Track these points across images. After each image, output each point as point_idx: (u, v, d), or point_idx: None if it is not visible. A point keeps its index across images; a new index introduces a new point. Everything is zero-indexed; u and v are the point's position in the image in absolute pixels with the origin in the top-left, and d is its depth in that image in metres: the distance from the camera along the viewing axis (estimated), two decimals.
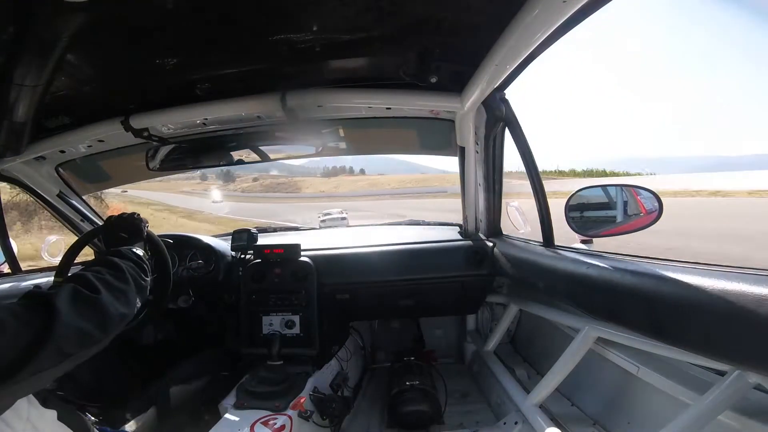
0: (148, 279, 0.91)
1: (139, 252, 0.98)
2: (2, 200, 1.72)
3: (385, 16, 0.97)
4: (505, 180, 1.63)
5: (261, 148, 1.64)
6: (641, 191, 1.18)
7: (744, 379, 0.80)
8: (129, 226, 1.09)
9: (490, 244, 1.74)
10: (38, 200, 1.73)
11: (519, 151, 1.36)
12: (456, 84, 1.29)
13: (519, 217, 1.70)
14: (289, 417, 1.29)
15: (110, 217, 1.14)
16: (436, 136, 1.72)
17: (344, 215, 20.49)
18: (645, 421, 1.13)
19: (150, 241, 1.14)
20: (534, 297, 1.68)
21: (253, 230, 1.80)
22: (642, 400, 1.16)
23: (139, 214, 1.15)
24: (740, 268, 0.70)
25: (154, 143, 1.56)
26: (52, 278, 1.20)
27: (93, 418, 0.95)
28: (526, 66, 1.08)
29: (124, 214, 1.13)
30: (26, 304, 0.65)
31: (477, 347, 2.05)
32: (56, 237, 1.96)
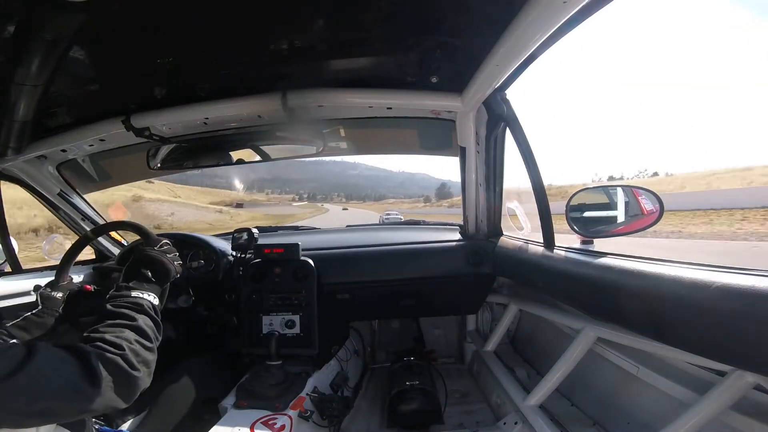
0: (160, 338, 0.90)
1: (156, 302, 0.94)
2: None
3: (385, 16, 0.98)
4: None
5: (262, 147, 1.65)
6: (642, 192, 1.18)
7: (744, 379, 0.80)
8: (160, 268, 1.00)
9: (491, 245, 1.74)
10: (39, 199, 1.73)
11: (520, 152, 1.36)
12: (457, 84, 1.29)
13: (520, 217, 1.70)
14: (289, 417, 1.29)
15: (155, 242, 1.04)
16: (436, 136, 1.73)
17: (400, 216, 28.60)
18: (645, 421, 1.13)
19: (163, 293, 1.03)
20: (534, 297, 1.69)
21: (254, 229, 1.81)
22: (642, 400, 1.16)
23: (176, 259, 1.05)
24: (740, 268, 0.70)
25: (155, 142, 1.56)
26: (53, 278, 1.20)
27: (93, 418, 0.95)
28: (527, 66, 1.08)
29: (165, 248, 1.03)
30: (65, 358, 0.68)
31: (477, 347, 2.05)
32: (57, 235, 1.96)
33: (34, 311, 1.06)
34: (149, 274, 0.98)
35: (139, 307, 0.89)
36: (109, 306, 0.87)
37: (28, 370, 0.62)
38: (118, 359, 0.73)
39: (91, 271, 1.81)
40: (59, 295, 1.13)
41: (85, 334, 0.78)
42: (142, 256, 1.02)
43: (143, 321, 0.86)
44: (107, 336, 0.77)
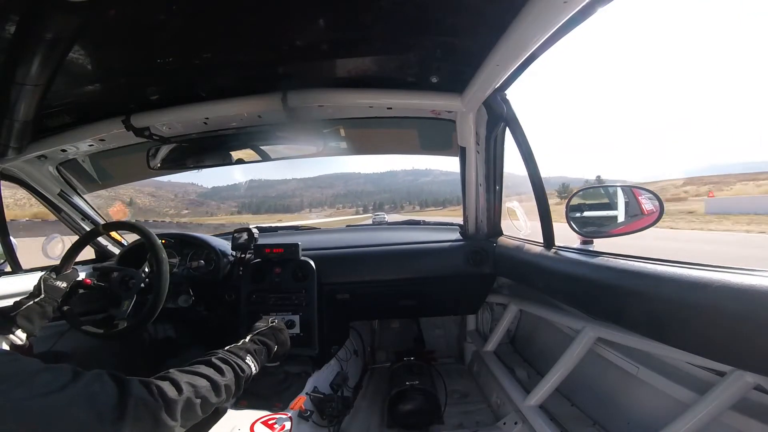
0: (227, 404, 0.89)
1: (255, 374, 0.94)
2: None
3: (385, 16, 0.97)
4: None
5: (262, 147, 1.65)
6: (642, 191, 1.18)
7: (744, 379, 0.80)
8: (285, 350, 1.05)
9: (491, 245, 1.74)
10: (39, 199, 1.73)
11: (520, 152, 1.36)
12: (457, 84, 1.29)
13: (520, 218, 1.70)
14: (289, 417, 1.29)
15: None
16: (436, 136, 1.72)
17: (385, 216, 31.12)
18: (645, 421, 1.13)
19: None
20: (534, 297, 1.68)
21: (254, 229, 1.81)
22: (642, 400, 1.16)
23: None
24: (740, 268, 0.70)
25: (155, 142, 1.56)
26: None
27: None
28: (528, 66, 1.08)
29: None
30: (106, 387, 0.63)
31: (477, 347, 2.05)
32: (56, 235, 1.96)
33: (36, 300, 1.07)
34: (276, 351, 1.03)
35: (240, 372, 0.87)
36: (214, 359, 0.84)
37: (65, 393, 0.57)
38: (161, 411, 0.67)
39: (91, 270, 1.81)
40: (63, 285, 1.14)
41: (163, 373, 0.74)
42: (284, 334, 1.10)
43: (229, 382, 0.82)
44: (179, 377, 0.74)
